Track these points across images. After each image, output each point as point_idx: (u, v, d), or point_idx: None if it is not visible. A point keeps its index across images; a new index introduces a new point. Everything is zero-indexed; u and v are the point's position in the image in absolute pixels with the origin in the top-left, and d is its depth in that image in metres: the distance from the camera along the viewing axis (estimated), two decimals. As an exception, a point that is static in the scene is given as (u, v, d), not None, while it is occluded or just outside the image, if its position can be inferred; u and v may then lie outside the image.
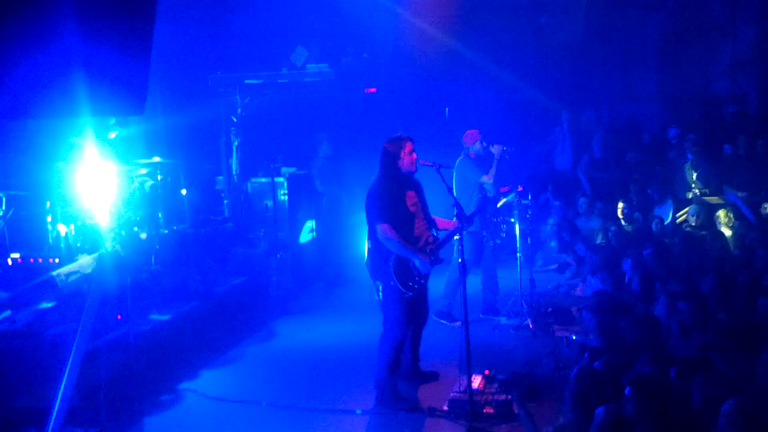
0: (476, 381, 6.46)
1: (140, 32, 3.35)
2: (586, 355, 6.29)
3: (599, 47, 14.50)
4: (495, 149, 8.65)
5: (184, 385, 7.19)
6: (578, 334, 7.53)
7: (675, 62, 14.44)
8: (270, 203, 10.21)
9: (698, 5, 14.18)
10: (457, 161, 8.74)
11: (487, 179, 8.58)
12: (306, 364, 7.73)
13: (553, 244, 11.30)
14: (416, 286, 6.35)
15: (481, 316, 8.82)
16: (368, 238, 6.52)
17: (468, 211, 6.84)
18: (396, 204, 6.34)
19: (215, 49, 10.92)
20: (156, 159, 8.65)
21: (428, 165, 6.57)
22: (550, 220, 11.59)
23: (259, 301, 9.43)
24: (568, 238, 10.93)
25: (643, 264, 7.94)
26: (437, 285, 8.04)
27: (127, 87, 3.43)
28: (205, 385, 7.21)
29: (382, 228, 6.25)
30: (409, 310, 6.44)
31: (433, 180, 6.64)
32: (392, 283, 6.27)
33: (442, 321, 8.64)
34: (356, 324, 8.79)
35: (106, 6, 3.17)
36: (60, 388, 5.55)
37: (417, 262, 6.29)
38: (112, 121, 8.03)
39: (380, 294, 6.39)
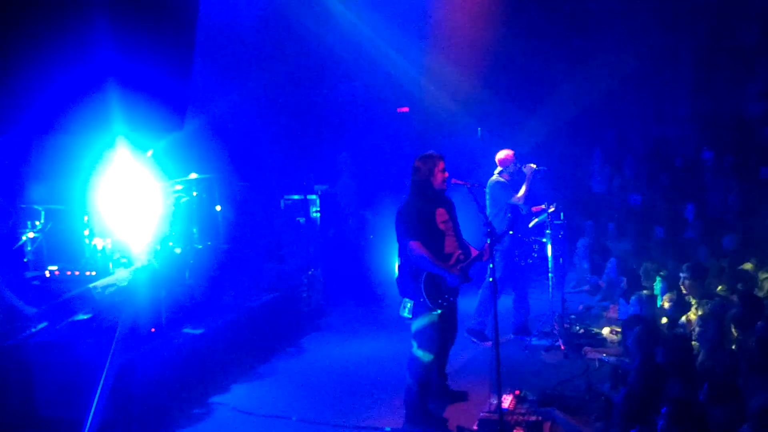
0: (506, 401, 6.43)
1: (181, 50, 3.42)
2: (619, 378, 6.26)
3: (632, 68, 14.44)
4: (527, 169, 8.63)
5: (216, 398, 7.25)
6: (610, 356, 7.48)
7: (708, 84, 14.31)
8: (302, 220, 10.29)
9: (732, 26, 14.06)
10: (489, 181, 8.73)
11: (517, 200, 8.55)
12: (335, 381, 7.75)
13: (586, 265, 11.22)
14: (445, 304, 6.36)
15: (512, 336, 8.79)
16: (398, 256, 6.54)
17: (499, 231, 6.84)
18: (426, 221, 6.35)
19: (250, 68, 11.08)
20: (193, 176, 8.77)
21: (460, 184, 6.58)
22: (581, 242, 11.51)
23: (290, 317, 9.48)
24: (600, 259, 10.85)
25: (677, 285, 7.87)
26: (467, 303, 8.03)
27: (167, 104, 3.50)
28: (236, 399, 7.26)
29: (412, 245, 6.26)
30: (440, 328, 6.44)
31: (463, 199, 6.67)
32: (422, 299, 6.28)
33: (473, 339, 8.61)
34: (385, 342, 8.80)
35: (147, 24, 3.24)
36: (94, 399, 5.64)
37: (447, 279, 6.30)
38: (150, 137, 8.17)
39: (408, 311, 6.37)
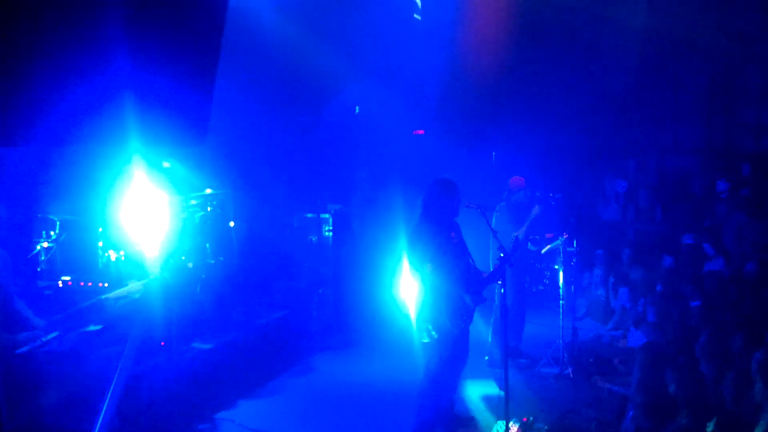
0: (513, 428, 6.39)
1: (205, 62, 3.43)
2: (629, 408, 6.20)
3: (649, 96, 14.43)
4: (540, 195, 8.64)
5: (222, 414, 7.25)
6: (620, 385, 7.42)
7: (724, 114, 14.27)
8: (314, 238, 10.32)
9: (750, 56, 14.03)
10: (499, 206, 8.71)
11: (519, 234, 8.48)
12: (342, 401, 7.73)
13: (601, 291, 11.15)
14: (464, 325, 6.37)
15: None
16: (415, 279, 6.54)
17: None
18: (443, 245, 6.38)
19: (267, 87, 11.16)
20: (208, 191, 8.83)
21: (473, 208, 6.61)
22: (597, 269, 11.44)
23: (299, 335, 9.48)
24: (614, 287, 10.78)
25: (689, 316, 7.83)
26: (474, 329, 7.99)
27: (189, 116, 3.51)
28: (243, 415, 7.25)
29: (431, 268, 6.28)
30: (455, 351, 6.44)
31: (473, 222, 6.69)
32: (442, 322, 6.28)
33: (496, 369, 8.41)
34: (394, 363, 8.75)
35: (169, 33, 3.24)
36: (102, 411, 5.64)
37: (467, 299, 6.31)
38: (166, 150, 8.22)
39: (427, 335, 6.35)
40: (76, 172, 8.07)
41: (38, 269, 7.91)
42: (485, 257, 7.93)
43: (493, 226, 8.26)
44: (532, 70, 13.61)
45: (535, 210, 8.52)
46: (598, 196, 13.83)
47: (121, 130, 3.35)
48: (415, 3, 12.57)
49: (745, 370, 6.07)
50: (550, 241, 8.80)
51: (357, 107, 11.56)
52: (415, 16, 12.75)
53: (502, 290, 6.39)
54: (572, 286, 8.92)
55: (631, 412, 6.13)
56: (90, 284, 7.60)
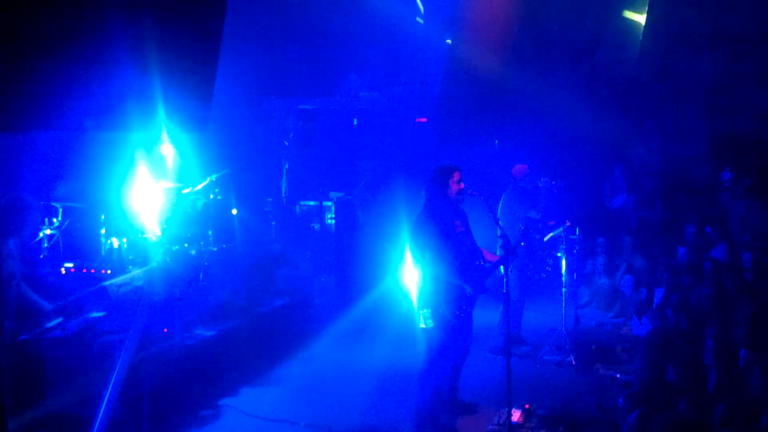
0: (516, 415, 6.41)
1: (206, 49, 3.43)
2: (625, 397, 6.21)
3: (652, 85, 14.37)
4: (543, 183, 8.65)
5: (225, 401, 7.27)
6: (622, 373, 7.44)
7: (727, 103, 14.20)
8: (317, 226, 10.32)
9: (753, 45, 13.94)
10: (504, 194, 8.74)
11: (535, 214, 8.57)
12: (344, 387, 7.75)
13: (603, 280, 11.15)
14: (463, 314, 6.37)
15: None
16: (417, 266, 6.55)
17: (513, 243, 6.84)
18: (445, 232, 6.38)
19: (270, 75, 11.14)
20: (210, 179, 8.82)
21: (476, 195, 6.60)
22: (600, 258, 11.43)
23: (301, 323, 9.49)
24: (618, 274, 10.79)
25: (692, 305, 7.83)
26: (481, 317, 8.01)
27: (192, 103, 3.51)
28: (245, 402, 7.28)
29: (432, 256, 6.28)
30: (455, 339, 6.45)
31: (477, 210, 6.69)
32: (441, 310, 6.28)
33: (498, 357, 8.44)
34: (395, 350, 8.75)
35: (170, 22, 3.24)
36: (104, 397, 5.66)
37: (467, 289, 6.31)
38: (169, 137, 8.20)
39: (426, 321, 6.38)
40: (80, 159, 8.06)
41: (41, 256, 7.90)
42: (489, 246, 7.91)
43: (500, 212, 8.33)
44: (535, 59, 13.56)
45: (545, 183, 8.56)
46: (602, 184, 13.79)
47: (124, 117, 3.36)
48: (417, 6, 12.54)
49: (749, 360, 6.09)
50: (552, 228, 8.80)
51: (355, 119, 11.56)
52: (418, 19, 12.74)
53: (505, 279, 6.39)
54: (575, 274, 8.93)
55: (621, 398, 6.14)
56: (93, 271, 7.59)
